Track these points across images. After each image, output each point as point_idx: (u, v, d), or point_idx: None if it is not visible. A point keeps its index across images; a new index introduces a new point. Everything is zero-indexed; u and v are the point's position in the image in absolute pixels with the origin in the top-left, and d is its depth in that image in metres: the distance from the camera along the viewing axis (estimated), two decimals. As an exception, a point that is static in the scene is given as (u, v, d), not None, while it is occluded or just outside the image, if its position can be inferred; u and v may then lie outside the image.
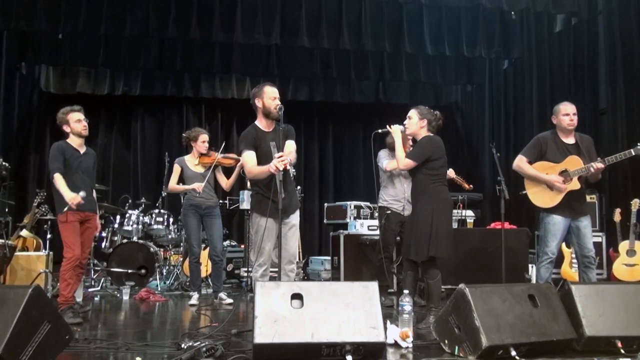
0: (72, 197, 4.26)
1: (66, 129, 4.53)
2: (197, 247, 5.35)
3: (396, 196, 5.13)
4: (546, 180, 4.29)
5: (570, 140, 4.36)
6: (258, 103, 3.89)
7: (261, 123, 3.92)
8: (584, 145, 4.33)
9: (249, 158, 3.80)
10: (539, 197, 4.34)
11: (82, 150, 4.59)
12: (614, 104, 6.71)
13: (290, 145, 3.83)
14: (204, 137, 5.43)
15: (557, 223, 4.25)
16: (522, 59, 8.40)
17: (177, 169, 5.41)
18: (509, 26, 8.08)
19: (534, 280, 5.87)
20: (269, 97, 3.85)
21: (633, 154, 4.11)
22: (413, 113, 4.19)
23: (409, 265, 4.19)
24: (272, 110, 3.80)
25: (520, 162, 4.39)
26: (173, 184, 5.44)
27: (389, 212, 5.12)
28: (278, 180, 3.55)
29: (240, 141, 3.90)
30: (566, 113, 4.33)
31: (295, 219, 3.96)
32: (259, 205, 3.86)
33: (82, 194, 4.30)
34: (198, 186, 5.21)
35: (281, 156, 3.51)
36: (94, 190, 4.76)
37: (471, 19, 7.81)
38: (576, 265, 5.74)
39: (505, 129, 8.93)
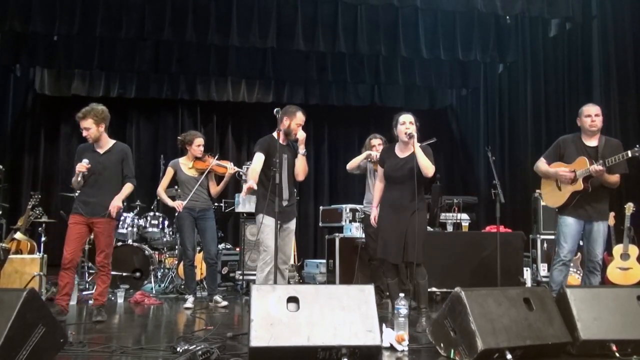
0: (77, 167, 4.35)
1: None
2: (192, 250, 5.34)
3: (370, 200, 5.21)
4: (552, 173, 4.32)
5: (592, 142, 4.29)
6: (285, 121, 4.30)
7: (279, 137, 4.32)
8: (608, 149, 4.21)
9: (256, 159, 4.29)
10: (550, 197, 4.42)
11: (103, 149, 4.52)
12: (608, 108, 6.73)
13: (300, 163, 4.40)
14: (200, 140, 5.42)
15: (569, 225, 4.23)
16: (517, 63, 8.44)
17: (169, 172, 5.41)
18: (504, 30, 8.12)
19: (528, 284, 5.90)
20: (297, 122, 4.30)
21: (630, 155, 4.04)
22: (414, 120, 4.13)
23: (394, 271, 4.18)
24: (292, 133, 4.30)
25: (539, 163, 4.46)
26: (162, 187, 5.45)
27: (363, 216, 5.48)
28: (277, 182, 3.96)
29: (257, 144, 4.36)
30: (588, 114, 4.28)
31: (292, 225, 4.42)
32: (266, 207, 4.18)
33: (85, 161, 4.37)
34: (178, 205, 5.24)
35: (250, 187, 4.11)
36: (120, 191, 4.52)
37: (466, 23, 7.85)
38: (574, 269, 5.78)
39: (500, 132, 8.96)
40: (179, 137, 5.65)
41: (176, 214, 5.48)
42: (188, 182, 5.34)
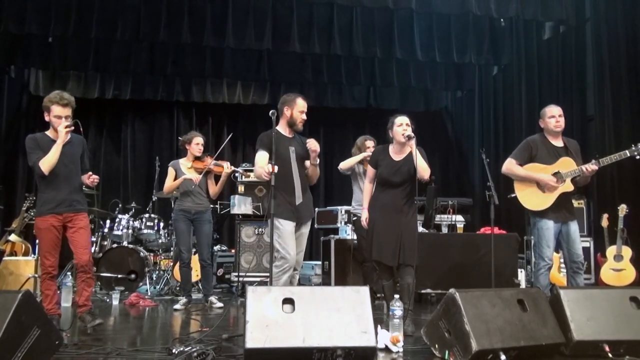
0: (61, 131, 3.82)
1: (46, 117, 4.00)
2: (187, 252, 5.37)
3: (359, 201, 5.22)
4: (538, 179, 4.25)
5: (558, 143, 4.36)
6: (286, 112, 4.05)
7: (284, 130, 4.08)
8: (572, 149, 4.34)
9: (260, 157, 3.96)
10: (530, 199, 4.29)
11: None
12: (601, 110, 6.79)
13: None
14: (198, 139, 5.49)
15: (549, 228, 4.22)
16: (511, 66, 8.48)
17: (171, 172, 5.47)
18: (499, 33, 8.16)
19: (522, 285, 5.92)
20: (299, 109, 4.03)
21: (628, 154, 4.09)
22: (410, 122, 4.11)
23: (389, 272, 4.18)
24: (297, 122, 4.03)
25: (510, 165, 4.37)
26: (167, 186, 5.48)
27: (355, 218, 5.36)
28: (271, 185, 3.68)
29: (258, 141, 4.05)
30: (552, 115, 4.33)
31: (305, 228, 4.10)
32: (279, 209, 3.85)
33: (65, 122, 3.87)
34: (196, 177, 5.29)
35: (273, 169, 3.69)
36: (83, 185, 4.20)
37: (461, 26, 7.88)
38: (565, 270, 5.80)
39: (494, 134, 8.99)
40: (179, 138, 5.72)
41: (172, 215, 5.49)
42: (186, 182, 5.36)
